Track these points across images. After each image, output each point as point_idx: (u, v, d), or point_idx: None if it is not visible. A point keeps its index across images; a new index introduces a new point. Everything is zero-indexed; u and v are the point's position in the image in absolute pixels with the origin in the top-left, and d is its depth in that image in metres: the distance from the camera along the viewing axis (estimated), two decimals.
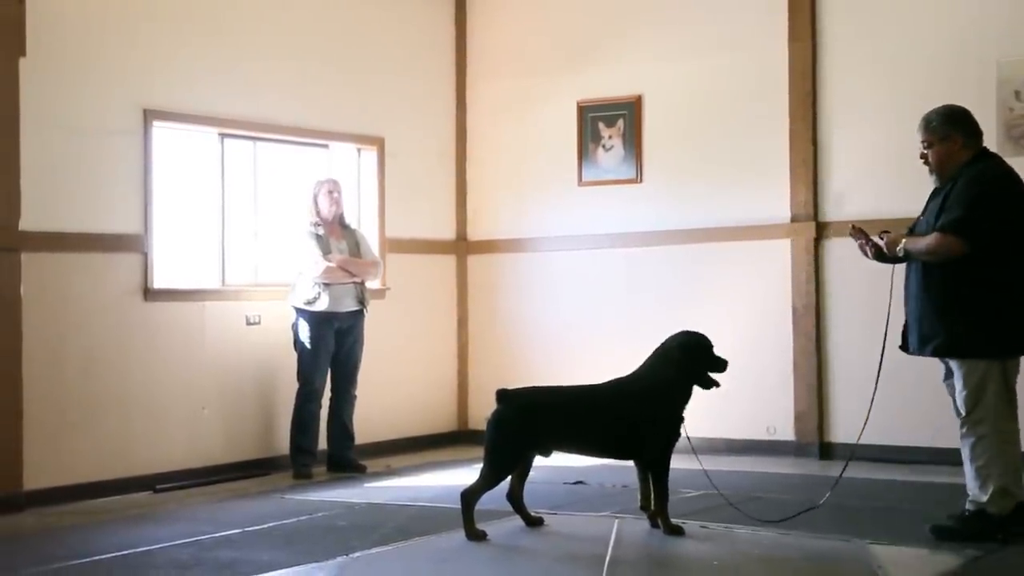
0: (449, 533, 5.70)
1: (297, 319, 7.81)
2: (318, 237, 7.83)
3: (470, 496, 5.58)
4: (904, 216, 6.99)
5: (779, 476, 7.41)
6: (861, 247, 5.67)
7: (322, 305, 7.73)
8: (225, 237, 7.96)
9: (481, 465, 5.68)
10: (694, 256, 8.64)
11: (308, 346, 7.76)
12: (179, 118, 7.65)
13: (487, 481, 5.60)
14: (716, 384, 5.70)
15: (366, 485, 7.45)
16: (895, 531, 5.57)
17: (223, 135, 7.96)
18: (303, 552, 5.39)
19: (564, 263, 9.17)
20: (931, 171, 5.50)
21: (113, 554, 5.47)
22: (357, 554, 5.34)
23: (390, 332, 8.74)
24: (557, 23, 9.31)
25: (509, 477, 5.72)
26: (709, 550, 5.36)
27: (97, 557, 5.43)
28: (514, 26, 9.50)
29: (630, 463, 5.83)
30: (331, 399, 7.98)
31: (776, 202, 8.31)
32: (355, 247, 8.01)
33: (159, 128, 7.55)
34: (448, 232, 9.58)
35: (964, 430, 5.35)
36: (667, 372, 5.66)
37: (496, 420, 5.63)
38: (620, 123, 8.94)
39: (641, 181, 8.87)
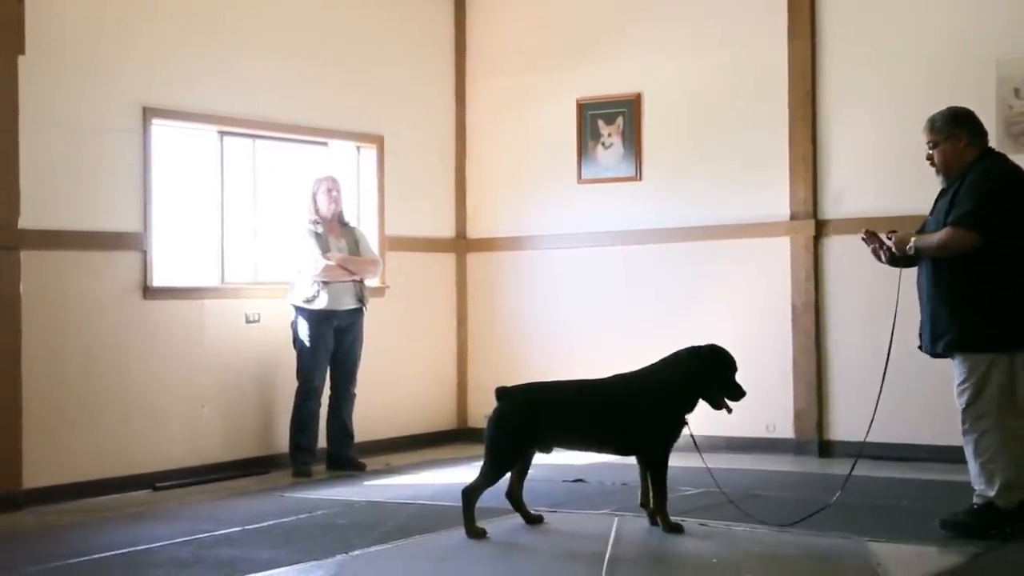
0: (449, 531, 5.70)
1: (296, 317, 7.80)
2: (317, 235, 7.82)
3: (471, 493, 5.59)
4: (904, 214, 7.02)
5: (778, 474, 7.41)
6: (874, 251, 5.64)
7: (321, 303, 7.73)
8: (224, 235, 7.96)
9: (481, 463, 5.68)
10: (693, 254, 8.64)
11: (307, 344, 7.76)
12: (178, 116, 7.65)
13: (487, 478, 5.61)
14: (727, 408, 5.67)
15: (366, 483, 7.45)
16: (895, 529, 5.57)
17: (222, 133, 7.96)
18: (303, 550, 5.39)
19: (564, 261, 9.17)
20: (937, 171, 5.51)
21: (113, 552, 5.47)
22: (357, 552, 5.34)
23: (390, 330, 8.74)
24: (556, 21, 9.31)
25: (508, 475, 5.72)
26: (708, 548, 5.36)
27: (97, 555, 5.43)
28: (513, 24, 9.49)
29: (630, 460, 5.83)
30: (330, 397, 7.98)
31: (775, 200, 8.31)
32: (354, 245, 8.01)
33: (158, 126, 7.54)
34: (448, 230, 9.57)
35: (966, 426, 5.35)
36: (672, 373, 5.65)
37: (497, 417, 5.64)
38: (619, 121, 8.94)
39: (640, 179, 8.87)
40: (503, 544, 5.52)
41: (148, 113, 7.43)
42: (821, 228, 8.16)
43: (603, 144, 9.00)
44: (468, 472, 6.58)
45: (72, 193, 7.05)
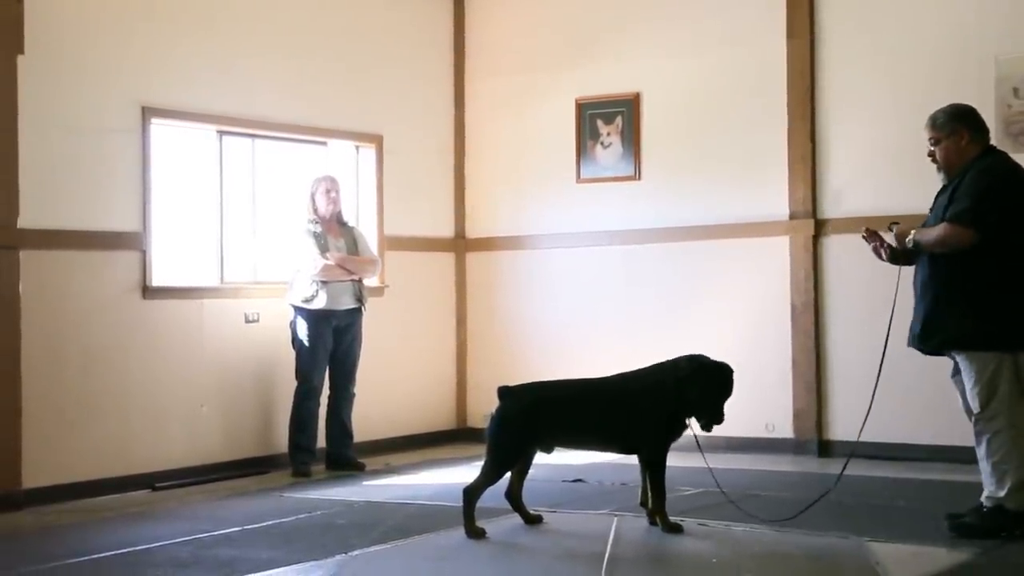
0: (448, 531, 5.70)
1: (295, 317, 7.80)
2: (316, 235, 7.82)
3: (472, 492, 5.59)
4: (903, 212, 7.00)
5: (778, 474, 7.41)
6: (875, 249, 5.64)
7: (320, 303, 7.72)
8: (224, 235, 7.96)
9: (481, 462, 5.69)
10: (693, 253, 8.63)
11: (306, 344, 7.76)
12: (177, 116, 7.65)
13: (488, 477, 5.61)
14: (704, 424, 5.58)
15: (365, 483, 7.45)
16: (894, 528, 5.57)
17: (221, 133, 7.96)
18: (302, 550, 5.39)
19: (563, 260, 9.17)
20: (938, 168, 5.51)
21: (112, 552, 5.47)
22: (356, 552, 5.34)
23: (389, 330, 8.74)
24: (555, 20, 9.31)
25: (508, 474, 5.73)
26: (708, 548, 5.36)
27: (96, 555, 5.43)
28: (512, 23, 9.49)
29: (630, 460, 5.84)
30: (330, 397, 7.98)
31: (775, 199, 8.31)
32: (353, 245, 8.01)
33: (157, 126, 7.54)
34: (447, 230, 9.57)
35: (979, 427, 5.33)
36: (668, 376, 5.64)
37: (499, 416, 5.64)
38: (618, 120, 8.94)
39: (639, 178, 8.87)
40: (502, 544, 5.52)
41: (147, 113, 7.42)
42: (820, 227, 8.16)
43: (602, 143, 9.00)
44: (467, 472, 6.58)
45: (71, 193, 7.05)
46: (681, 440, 5.72)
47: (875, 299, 6.02)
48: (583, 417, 5.72)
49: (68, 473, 6.92)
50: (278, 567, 5.10)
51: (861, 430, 5.92)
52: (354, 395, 8.03)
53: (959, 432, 5.97)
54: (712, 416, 5.57)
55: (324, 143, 8.68)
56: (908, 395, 7.51)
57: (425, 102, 9.41)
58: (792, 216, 8.26)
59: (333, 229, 7.95)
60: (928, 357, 5.59)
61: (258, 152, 8.24)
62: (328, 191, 7.93)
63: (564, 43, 9.23)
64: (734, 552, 5.27)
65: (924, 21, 7.91)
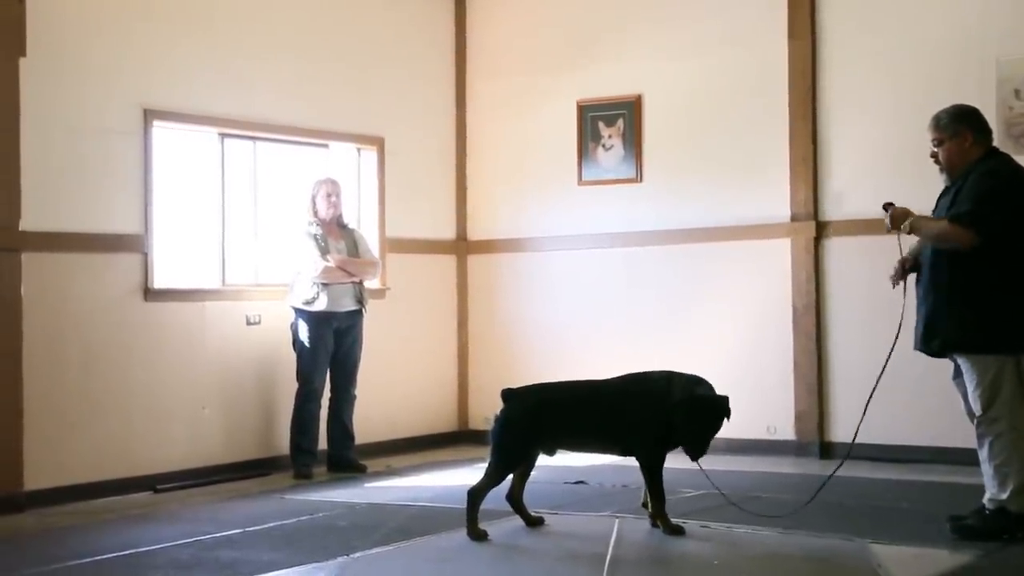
0: (450, 533, 5.70)
1: (296, 319, 7.81)
2: (316, 237, 7.83)
3: (476, 494, 5.60)
4: None
5: (779, 476, 7.41)
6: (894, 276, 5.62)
7: (321, 305, 7.73)
8: (225, 237, 7.96)
9: (483, 464, 5.69)
10: (694, 255, 8.63)
11: (307, 346, 7.76)
12: (179, 118, 7.65)
13: (492, 478, 5.62)
14: (689, 449, 5.52)
15: (366, 485, 7.45)
16: (896, 530, 5.57)
17: (223, 135, 7.96)
18: (304, 552, 5.39)
19: (564, 263, 9.17)
20: (941, 169, 5.50)
21: (114, 554, 5.47)
22: (358, 554, 5.34)
23: (390, 332, 8.74)
24: (557, 22, 9.31)
25: (510, 476, 5.73)
26: (710, 550, 5.36)
27: (98, 557, 5.43)
28: (514, 25, 9.50)
29: (632, 462, 5.83)
30: (331, 399, 7.98)
31: (776, 201, 8.31)
32: (353, 247, 8.01)
33: (159, 128, 7.54)
34: (448, 232, 9.57)
35: (981, 429, 5.32)
36: (667, 386, 5.62)
37: (504, 418, 5.64)
38: (620, 122, 8.94)
39: (641, 180, 8.87)
40: (504, 546, 5.52)
41: (149, 115, 7.43)
42: (822, 229, 8.16)
43: (603, 145, 9.00)
44: (469, 474, 6.58)
45: (73, 195, 7.05)
46: None
47: (877, 301, 6.03)
48: (586, 419, 5.72)
49: (69, 475, 6.92)
50: (280, 569, 5.09)
51: (856, 433, 5.91)
52: (355, 397, 8.03)
53: (961, 434, 5.96)
54: (696, 449, 5.50)
55: (325, 145, 8.68)
56: (910, 397, 7.51)
57: (426, 104, 9.42)
58: (793, 218, 8.26)
59: (333, 231, 7.95)
60: (930, 359, 5.59)
61: (259, 154, 8.24)
62: (329, 195, 7.93)
63: (565, 44, 9.23)
64: (736, 554, 5.27)
65: (926, 22, 7.91)
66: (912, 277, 5.61)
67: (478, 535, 5.55)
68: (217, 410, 7.76)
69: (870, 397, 5.77)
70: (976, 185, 5.31)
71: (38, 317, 6.80)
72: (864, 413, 5.85)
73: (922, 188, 6.20)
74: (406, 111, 9.20)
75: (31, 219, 6.77)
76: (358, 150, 8.93)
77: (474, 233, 9.60)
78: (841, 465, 5.94)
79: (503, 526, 5.77)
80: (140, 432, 7.32)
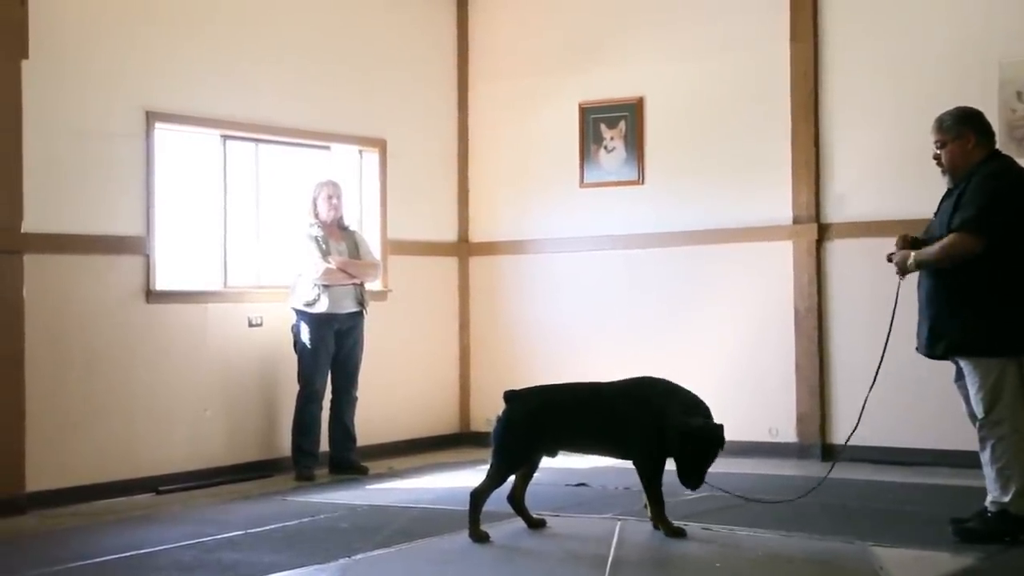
0: (451, 535, 5.70)
1: (297, 321, 7.81)
2: (317, 239, 7.83)
3: (479, 496, 5.60)
4: (907, 217, 7.02)
5: (781, 478, 7.40)
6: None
7: (322, 307, 7.73)
8: (227, 239, 7.96)
9: (485, 466, 5.70)
10: (696, 258, 8.63)
11: (308, 348, 7.76)
12: (181, 120, 7.66)
13: (494, 480, 5.63)
14: (686, 482, 5.46)
15: (368, 487, 7.45)
16: (899, 533, 5.56)
17: (225, 137, 7.97)
18: (305, 554, 5.39)
19: (566, 265, 9.17)
20: (944, 171, 5.50)
21: (116, 556, 5.47)
22: (359, 556, 5.34)
23: (392, 334, 8.74)
24: (559, 24, 9.31)
25: (512, 478, 5.73)
26: (712, 552, 5.36)
27: (100, 559, 5.43)
28: (516, 27, 9.50)
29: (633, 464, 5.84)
30: (332, 401, 7.98)
31: (778, 203, 8.31)
32: (354, 248, 8.02)
33: (161, 130, 7.55)
34: (450, 234, 9.58)
35: (983, 432, 5.31)
36: (663, 398, 5.59)
37: (506, 420, 5.64)
38: (622, 124, 8.94)
39: (643, 183, 8.87)
40: (506, 548, 5.52)
41: (151, 117, 7.43)
42: (824, 232, 8.16)
43: (605, 148, 9.00)
44: (471, 476, 6.58)
45: (75, 197, 7.06)
46: None
47: (878, 303, 6.01)
48: (587, 422, 5.72)
49: (72, 476, 6.92)
50: (281, 571, 5.10)
51: (851, 435, 5.91)
52: (356, 399, 8.03)
53: (963, 437, 5.96)
54: (692, 480, 5.43)
55: (327, 147, 8.69)
56: (912, 400, 7.51)
57: (428, 106, 9.42)
58: (796, 220, 8.26)
59: (334, 233, 7.96)
60: (932, 362, 5.59)
61: (262, 156, 8.25)
62: (330, 197, 7.94)
63: (567, 47, 9.23)
64: (738, 556, 5.27)
65: (928, 25, 7.91)
66: (912, 278, 5.60)
67: (480, 537, 5.55)
68: (219, 412, 7.76)
69: (866, 399, 5.80)
70: (979, 188, 5.31)
71: (40, 319, 6.80)
72: (860, 415, 5.86)
73: (924, 190, 6.20)
74: (408, 113, 9.21)
75: (33, 221, 6.77)
76: (360, 152, 8.93)
77: (476, 235, 9.60)
78: (833, 467, 5.92)
79: (505, 528, 5.77)
80: (142, 434, 7.33)
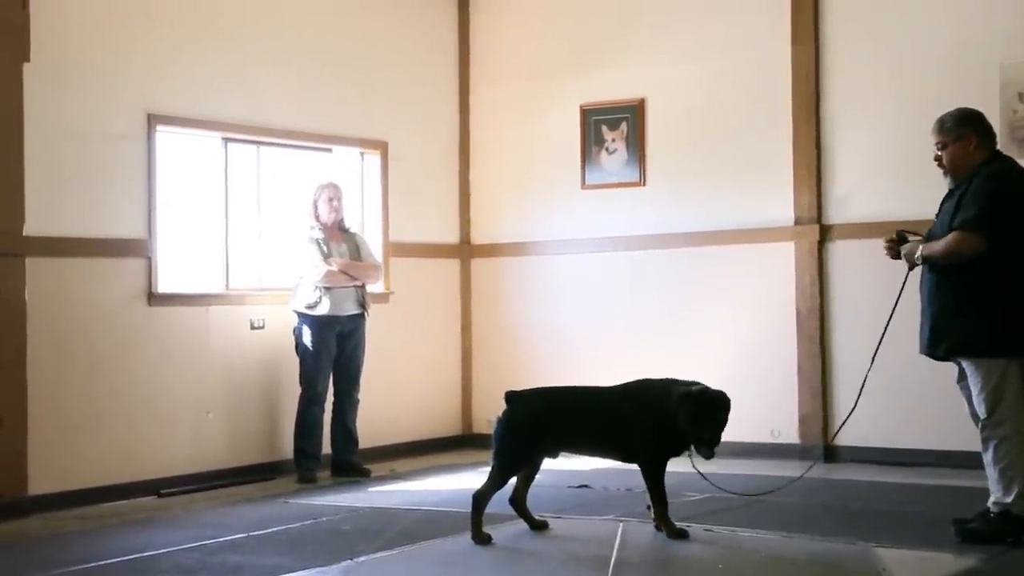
0: (454, 537, 5.70)
1: (299, 323, 7.81)
2: (318, 241, 7.84)
3: (481, 498, 5.60)
4: (908, 218, 7.00)
5: (783, 479, 7.38)
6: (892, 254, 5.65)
7: (323, 309, 7.73)
8: (229, 241, 7.97)
9: (487, 468, 5.70)
10: (697, 259, 8.63)
11: (310, 350, 7.76)
12: (183, 122, 7.66)
13: (495, 481, 5.63)
14: (701, 449, 5.49)
15: (370, 489, 7.45)
16: (901, 534, 5.56)
17: (227, 139, 7.97)
18: (308, 556, 5.39)
19: (567, 266, 9.17)
20: (945, 173, 5.51)
21: (119, 559, 5.48)
22: (362, 558, 5.34)
23: (394, 336, 8.74)
24: (560, 26, 9.32)
25: (514, 480, 5.73)
26: (714, 553, 5.36)
27: (102, 562, 5.43)
28: (517, 29, 9.50)
29: (635, 466, 5.83)
30: (334, 403, 7.98)
31: (780, 205, 8.31)
32: (355, 251, 8.02)
33: (163, 133, 7.55)
34: (452, 236, 9.58)
35: (985, 432, 5.32)
36: (664, 392, 5.62)
37: (507, 421, 5.65)
38: (623, 126, 8.94)
39: (644, 184, 8.87)
40: (508, 550, 5.52)
41: (153, 120, 7.43)
42: (825, 233, 8.16)
43: (607, 149, 9.00)
44: (473, 478, 6.58)
45: (77, 200, 7.06)
46: None
47: (880, 304, 6.01)
48: (588, 423, 5.72)
49: (74, 479, 6.92)
50: (284, 573, 5.10)
51: (837, 432, 5.91)
52: (358, 401, 8.03)
53: (965, 437, 5.96)
54: (707, 444, 5.44)
55: (329, 150, 8.69)
56: (914, 401, 7.51)
57: (430, 108, 9.43)
58: (797, 221, 8.26)
59: (335, 235, 7.96)
60: (934, 363, 5.59)
61: (263, 159, 8.25)
62: (330, 199, 7.94)
63: (569, 49, 9.23)
64: (740, 558, 5.27)
65: (929, 27, 7.90)
66: (915, 278, 5.60)
67: (482, 539, 5.55)
68: (221, 414, 7.76)
69: (858, 397, 5.82)
70: (981, 189, 5.31)
71: (42, 322, 6.81)
72: (852, 411, 5.86)
73: (926, 191, 6.20)
74: (409, 115, 9.21)
75: (35, 224, 6.78)
76: (362, 154, 8.94)
77: (477, 237, 9.60)
78: (813, 466, 5.89)
79: (507, 530, 5.77)
80: (144, 436, 7.33)
